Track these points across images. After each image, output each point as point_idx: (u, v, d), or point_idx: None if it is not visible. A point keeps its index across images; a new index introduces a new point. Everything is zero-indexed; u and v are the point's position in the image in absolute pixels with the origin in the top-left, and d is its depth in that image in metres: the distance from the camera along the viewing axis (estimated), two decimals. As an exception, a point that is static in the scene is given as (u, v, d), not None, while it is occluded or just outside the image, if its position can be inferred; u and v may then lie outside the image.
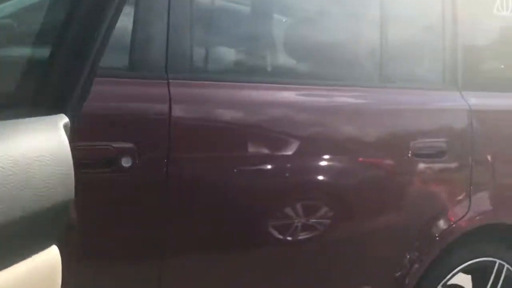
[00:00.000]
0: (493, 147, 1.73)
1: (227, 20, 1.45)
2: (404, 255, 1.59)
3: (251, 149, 1.35)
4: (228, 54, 1.43)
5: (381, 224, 1.57)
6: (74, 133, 0.77)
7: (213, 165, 1.29)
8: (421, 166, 1.58)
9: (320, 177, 1.46)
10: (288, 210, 1.40)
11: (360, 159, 1.51)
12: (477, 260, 1.74)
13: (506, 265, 1.78)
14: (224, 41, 1.44)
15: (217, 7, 1.47)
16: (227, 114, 1.33)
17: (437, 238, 1.65)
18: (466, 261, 1.72)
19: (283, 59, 1.54)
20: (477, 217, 1.72)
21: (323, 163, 1.45)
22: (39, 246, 0.71)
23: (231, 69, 1.43)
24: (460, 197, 1.68)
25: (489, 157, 1.72)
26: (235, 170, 1.32)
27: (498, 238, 1.81)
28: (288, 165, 1.39)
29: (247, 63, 1.47)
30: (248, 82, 1.38)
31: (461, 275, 1.76)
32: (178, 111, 1.22)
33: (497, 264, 1.77)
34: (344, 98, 1.52)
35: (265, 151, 1.36)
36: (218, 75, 1.37)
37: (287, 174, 1.40)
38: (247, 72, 1.43)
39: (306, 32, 1.53)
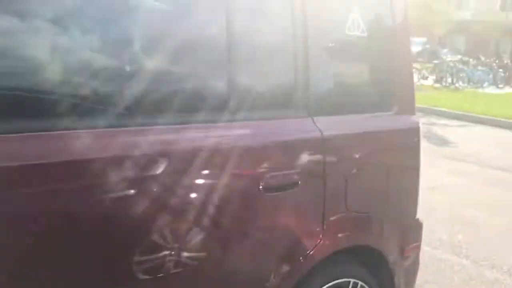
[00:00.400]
0: (344, 173, 1.73)
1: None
2: (265, 283, 1.57)
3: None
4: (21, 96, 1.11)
5: (240, 255, 1.52)
6: None
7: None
8: (273, 198, 1.52)
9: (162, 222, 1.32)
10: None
11: (212, 197, 1.40)
12: (334, 282, 1.77)
13: (360, 283, 1.84)
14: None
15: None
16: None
17: (295, 266, 1.64)
18: (324, 285, 1.74)
19: (92, 96, 1.21)
20: (332, 243, 1.73)
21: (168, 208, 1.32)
22: None
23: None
24: (314, 225, 1.67)
25: (341, 184, 1.71)
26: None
27: (351, 259, 1.85)
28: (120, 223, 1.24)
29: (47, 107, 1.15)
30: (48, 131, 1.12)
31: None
32: None
33: (351, 283, 1.81)
34: (187, 138, 1.36)
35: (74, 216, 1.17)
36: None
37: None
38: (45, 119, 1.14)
39: (128, 63, 1.28)
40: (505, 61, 20.20)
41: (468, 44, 40.96)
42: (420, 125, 2.05)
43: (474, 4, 40.45)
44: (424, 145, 7.26)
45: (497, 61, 18.52)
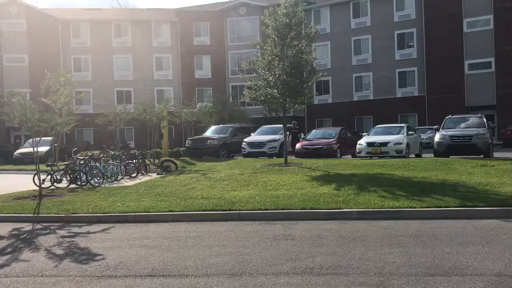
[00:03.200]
0: None
1: None
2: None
3: None
4: None
5: None
6: None
7: None
8: None
9: None
10: None
11: None
12: None
13: None
14: None
15: None
16: None
17: None
18: None
19: None
20: None
21: None
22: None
23: None
24: None
25: None
26: None
27: None
28: None
29: None
30: None
31: None
32: None
33: None
34: None
35: None
36: None
37: None
38: None
39: None
40: (132, 151, 21.52)
41: (96, 137, 42.62)
42: None
43: (93, 100, 42.63)
44: (68, 266, 6.25)
45: (125, 153, 19.45)
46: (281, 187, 12.69)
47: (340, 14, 45.49)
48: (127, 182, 16.28)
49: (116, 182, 16.48)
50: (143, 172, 18.69)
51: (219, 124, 28.71)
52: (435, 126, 20.80)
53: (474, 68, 39.38)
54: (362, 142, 20.43)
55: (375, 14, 43.93)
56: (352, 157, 21.99)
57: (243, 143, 23.11)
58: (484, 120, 19.74)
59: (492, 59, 38.42)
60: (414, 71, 42.39)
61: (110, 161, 17.66)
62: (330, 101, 45.70)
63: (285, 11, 17.22)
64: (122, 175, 17.34)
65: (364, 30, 44.41)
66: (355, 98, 44.88)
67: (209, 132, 25.82)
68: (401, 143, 19.63)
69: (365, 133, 23.94)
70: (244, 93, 17.84)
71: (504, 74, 37.14)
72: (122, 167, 17.66)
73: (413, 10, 42.25)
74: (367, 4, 44.48)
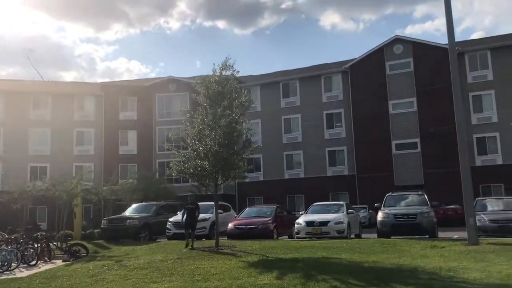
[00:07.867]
0: None
1: None
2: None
3: None
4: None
5: None
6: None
7: None
8: None
9: None
10: None
11: None
12: None
13: None
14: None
15: None
16: None
17: None
18: None
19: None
20: None
21: None
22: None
23: None
24: None
25: None
26: None
27: None
28: None
29: None
30: None
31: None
32: None
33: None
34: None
35: None
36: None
37: None
38: None
39: None
40: (37, 233, 18.35)
41: (2, 217, 37.76)
42: None
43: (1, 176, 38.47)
44: None
45: (24, 236, 16.34)
46: (212, 277, 10.46)
47: (270, 93, 45.63)
48: (21, 272, 13.24)
49: (8, 271, 13.39)
50: (46, 258, 15.64)
51: (143, 202, 25.99)
52: (376, 204, 19.57)
53: (401, 148, 40.03)
54: (301, 221, 18.71)
55: (304, 94, 44.43)
56: (289, 238, 20.15)
57: (168, 223, 20.63)
58: (426, 197, 18.90)
59: (417, 140, 39.36)
60: (343, 150, 42.50)
61: (3, 247, 14.55)
62: (261, 178, 44.41)
63: (217, 78, 15.91)
64: (17, 262, 14.23)
65: (293, 110, 44.58)
66: (286, 176, 43.96)
67: (130, 211, 23.05)
68: (342, 222, 18.11)
69: (301, 212, 22.34)
70: (171, 164, 15.81)
71: (430, 155, 37.96)
72: (18, 253, 14.57)
73: (340, 91, 43.15)
74: (296, 84, 45.05)
